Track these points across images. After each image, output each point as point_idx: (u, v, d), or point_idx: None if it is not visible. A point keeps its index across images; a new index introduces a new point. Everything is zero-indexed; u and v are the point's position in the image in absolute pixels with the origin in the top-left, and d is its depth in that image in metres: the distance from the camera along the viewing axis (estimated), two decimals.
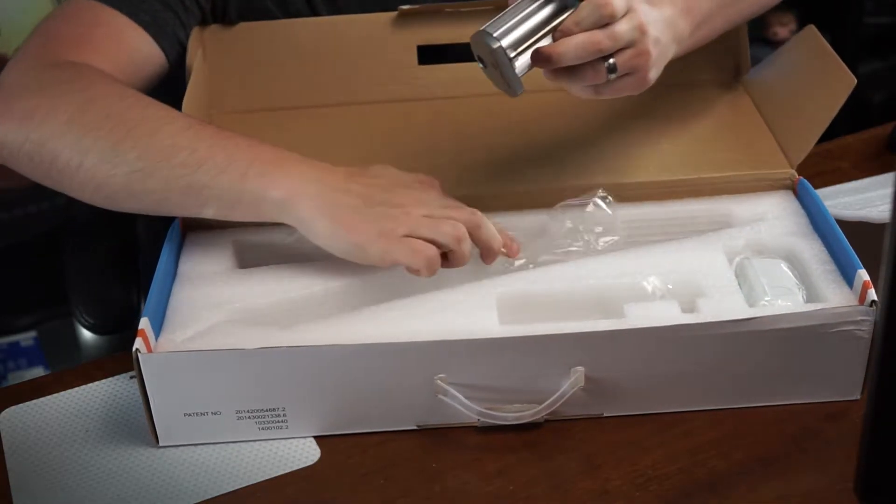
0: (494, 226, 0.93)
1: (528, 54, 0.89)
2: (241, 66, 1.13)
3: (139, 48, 1.05)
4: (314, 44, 1.13)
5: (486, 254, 0.93)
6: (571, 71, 0.90)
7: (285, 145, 1.10)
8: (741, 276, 0.93)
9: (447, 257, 0.91)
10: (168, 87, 1.07)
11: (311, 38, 1.13)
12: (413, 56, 1.13)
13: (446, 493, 0.86)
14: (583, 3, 0.89)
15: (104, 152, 0.92)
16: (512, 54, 0.88)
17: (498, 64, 0.90)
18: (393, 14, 1.11)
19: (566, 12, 0.90)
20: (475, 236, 0.91)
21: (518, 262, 0.97)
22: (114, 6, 1.05)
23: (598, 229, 0.99)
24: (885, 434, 0.65)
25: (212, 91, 1.14)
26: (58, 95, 0.95)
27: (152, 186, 0.92)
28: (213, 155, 0.91)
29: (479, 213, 0.92)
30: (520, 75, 0.90)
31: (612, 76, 0.89)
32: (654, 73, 0.92)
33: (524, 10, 0.90)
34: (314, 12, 1.13)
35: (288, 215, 0.91)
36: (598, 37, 0.88)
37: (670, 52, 0.94)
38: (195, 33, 1.10)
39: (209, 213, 0.93)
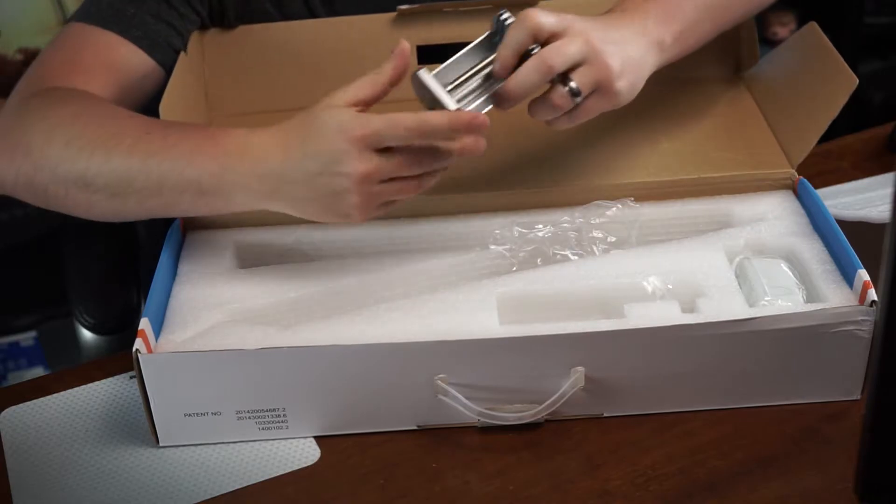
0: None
1: (463, 90, 0.90)
2: (241, 68, 1.13)
3: (130, 65, 1.06)
4: (313, 45, 1.13)
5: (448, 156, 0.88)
6: (538, 104, 0.90)
7: None
8: (741, 276, 0.93)
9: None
10: None
11: (309, 39, 1.13)
12: (413, 56, 1.13)
13: (446, 493, 0.86)
14: (509, 28, 0.89)
15: (77, 182, 0.93)
16: (428, 74, 0.88)
17: (427, 94, 0.89)
18: (392, 14, 1.11)
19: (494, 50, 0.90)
20: (430, 159, 0.88)
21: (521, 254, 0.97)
22: (104, 26, 1.06)
23: (598, 234, 0.99)
24: (885, 434, 0.65)
25: (211, 94, 1.14)
26: (28, 129, 0.96)
27: (131, 206, 0.93)
28: (167, 177, 0.90)
29: (419, 124, 0.85)
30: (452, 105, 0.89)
31: (578, 98, 0.89)
32: (623, 84, 0.90)
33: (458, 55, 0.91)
34: (312, 14, 1.13)
35: (258, 208, 0.92)
36: (543, 56, 0.87)
37: (647, 60, 0.93)
38: (194, 36, 1.10)
39: (195, 215, 0.96)
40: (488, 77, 0.90)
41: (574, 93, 0.88)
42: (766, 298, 0.90)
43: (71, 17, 1.09)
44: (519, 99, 0.89)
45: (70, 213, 0.97)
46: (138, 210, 0.94)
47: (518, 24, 0.88)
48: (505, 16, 0.90)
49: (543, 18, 0.88)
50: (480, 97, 0.90)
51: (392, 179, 0.87)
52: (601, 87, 0.89)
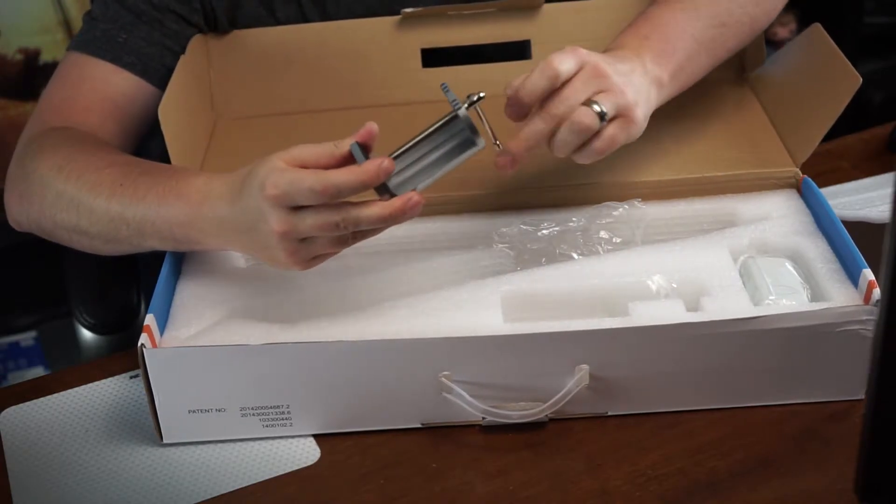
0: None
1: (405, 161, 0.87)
2: (246, 71, 1.14)
3: (125, 92, 1.08)
4: (318, 48, 1.13)
5: (381, 224, 0.86)
6: (564, 132, 0.88)
7: None
8: (746, 275, 0.93)
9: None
10: None
11: (315, 42, 1.13)
12: (417, 59, 1.13)
13: (446, 493, 0.86)
14: (533, 70, 0.88)
15: (76, 230, 0.98)
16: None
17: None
18: (396, 17, 1.12)
19: (468, 151, 0.87)
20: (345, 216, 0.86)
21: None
22: (98, 55, 1.08)
23: (604, 234, 0.99)
24: (885, 434, 0.65)
25: (216, 97, 1.14)
26: (28, 180, 1.00)
27: (126, 248, 0.97)
28: (144, 228, 0.93)
29: (322, 187, 0.83)
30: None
31: (604, 122, 0.88)
32: (640, 113, 0.90)
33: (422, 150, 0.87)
34: (304, 17, 1.13)
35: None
36: (561, 94, 0.87)
37: (651, 96, 0.93)
38: (198, 40, 1.10)
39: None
40: (437, 160, 0.87)
41: (601, 115, 0.88)
42: (771, 298, 0.90)
43: (70, 44, 1.11)
44: (526, 107, 0.89)
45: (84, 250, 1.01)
46: (136, 249, 0.97)
47: (540, 73, 0.87)
48: (455, 102, 0.86)
49: (562, 66, 0.87)
50: (419, 172, 0.87)
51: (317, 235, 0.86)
52: (621, 114, 0.89)
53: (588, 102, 0.88)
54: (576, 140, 0.89)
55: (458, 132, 0.87)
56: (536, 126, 0.88)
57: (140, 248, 0.96)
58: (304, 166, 0.84)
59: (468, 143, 0.87)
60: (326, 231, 0.85)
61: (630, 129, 0.90)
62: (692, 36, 0.98)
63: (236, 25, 1.13)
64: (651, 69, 0.93)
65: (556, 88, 0.88)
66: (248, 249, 0.90)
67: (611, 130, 0.89)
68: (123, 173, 0.95)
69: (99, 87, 1.08)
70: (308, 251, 0.87)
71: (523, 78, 0.89)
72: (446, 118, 0.87)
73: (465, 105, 0.86)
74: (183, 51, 1.09)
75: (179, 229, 0.91)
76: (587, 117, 0.87)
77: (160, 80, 1.08)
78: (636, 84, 0.91)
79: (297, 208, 0.84)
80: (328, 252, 0.88)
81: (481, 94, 0.86)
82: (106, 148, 1.01)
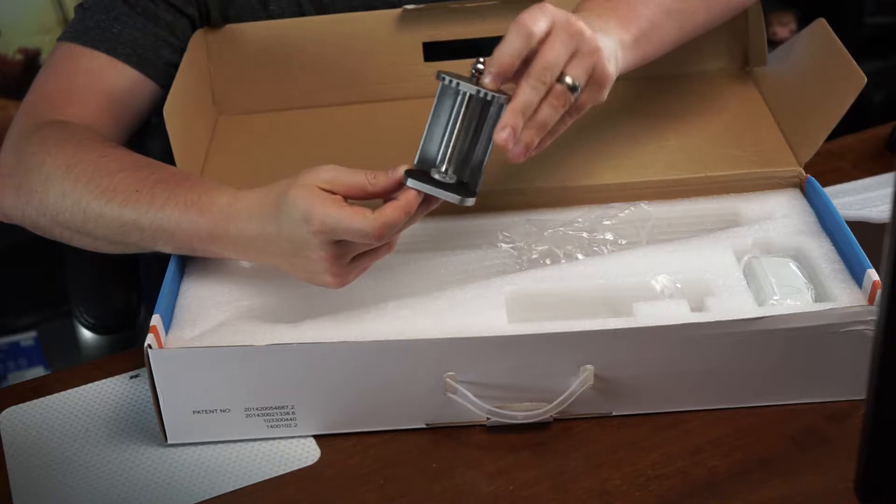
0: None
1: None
2: (247, 66, 1.13)
3: (121, 85, 1.07)
4: (320, 43, 1.13)
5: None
6: (538, 114, 0.87)
7: (293, 145, 1.10)
8: (750, 275, 0.93)
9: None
10: None
11: (316, 37, 1.12)
12: (419, 53, 1.13)
13: (446, 493, 0.86)
14: (507, 32, 0.86)
15: (79, 230, 0.97)
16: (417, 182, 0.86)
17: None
18: (398, 11, 1.11)
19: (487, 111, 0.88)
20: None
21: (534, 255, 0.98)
22: (92, 45, 1.07)
23: (610, 235, 0.99)
24: (885, 434, 0.65)
25: (217, 93, 1.14)
26: (28, 174, 0.99)
27: (133, 249, 0.97)
28: (158, 237, 0.93)
29: (367, 232, 0.86)
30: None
31: (576, 94, 0.86)
32: (612, 68, 0.89)
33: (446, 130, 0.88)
34: (300, 11, 1.13)
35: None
36: (539, 67, 0.85)
37: (618, 55, 0.91)
38: (199, 35, 1.10)
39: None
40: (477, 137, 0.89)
41: (573, 88, 0.86)
42: (775, 298, 0.90)
43: (61, 35, 1.10)
44: (506, 70, 0.86)
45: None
46: (143, 251, 0.97)
47: (516, 32, 0.86)
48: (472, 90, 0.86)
49: (535, 26, 0.85)
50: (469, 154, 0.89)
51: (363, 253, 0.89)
52: (595, 75, 0.88)
53: (560, 78, 0.86)
54: (555, 116, 0.87)
55: (479, 107, 0.88)
56: (527, 96, 0.85)
57: (147, 250, 0.96)
58: (334, 192, 0.86)
59: (491, 104, 0.87)
60: (372, 250, 0.89)
61: (603, 88, 0.89)
62: (658, 4, 0.97)
63: (228, 17, 1.12)
64: (614, 31, 0.92)
65: (533, 49, 0.86)
66: (287, 269, 0.91)
67: (583, 97, 0.88)
68: (138, 179, 0.95)
69: (94, 79, 1.07)
70: (354, 270, 0.90)
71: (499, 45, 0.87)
72: (463, 102, 0.87)
73: (475, 80, 0.87)
74: (177, 42, 1.08)
75: (201, 243, 0.92)
76: (562, 99, 0.86)
77: (156, 71, 1.07)
78: (606, 42, 0.89)
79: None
80: (370, 264, 0.91)
81: (479, 64, 0.86)
82: (113, 148, 1.00)
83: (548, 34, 0.86)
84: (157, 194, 0.93)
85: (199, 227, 0.91)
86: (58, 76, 1.08)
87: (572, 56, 0.86)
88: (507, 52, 0.85)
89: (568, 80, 0.86)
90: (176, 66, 1.07)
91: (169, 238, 0.93)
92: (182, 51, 1.08)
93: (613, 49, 0.90)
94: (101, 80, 1.07)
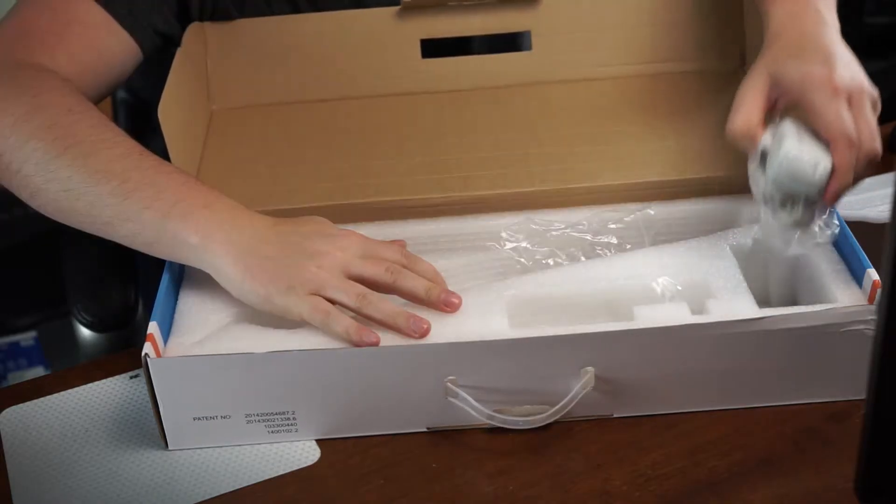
0: (423, 272, 0.91)
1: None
2: (244, 61, 1.13)
3: (111, 46, 1.05)
4: (316, 38, 1.13)
5: (413, 300, 0.90)
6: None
7: (289, 140, 1.10)
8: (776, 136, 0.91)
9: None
10: (158, 79, 1.06)
11: (313, 32, 1.12)
12: (416, 50, 1.13)
13: (446, 494, 0.86)
14: (831, 154, 0.88)
15: (40, 163, 0.93)
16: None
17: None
18: (395, 8, 1.11)
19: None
20: (394, 288, 0.89)
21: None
22: None
23: (613, 239, 0.99)
24: (885, 434, 0.65)
25: (213, 88, 1.14)
26: (10, 97, 0.96)
27: (79, 208, 0.93)
28: (141, 188, 0.91)
29: (402, 256, 0.91)
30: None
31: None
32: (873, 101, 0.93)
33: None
34: (296, 8, 1.13)
35: (202, 262, 0.91)
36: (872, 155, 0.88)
37: (841, 49, 0.94)
38: (195, 29, 1.10)
39: (130, 244, 0.93)
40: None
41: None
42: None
43: None
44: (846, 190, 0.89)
45: (9, 189, 0.97)
46: (82, 216, 0.94)
47: (841, 148, 0.87)
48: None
49: (850, 127, 0.88)
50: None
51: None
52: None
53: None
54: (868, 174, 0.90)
55: None
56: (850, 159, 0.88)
57: (98, 214, 0.92)
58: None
59: None
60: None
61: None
62: None
63: (205, 17, 1.12)
64: (827, 16, 0.95)
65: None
66: (261, 277, 0.89)
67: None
68: (141, 150, 0.94)
69: (87, 33, 1.04)
70: (340, 314, 0.88)
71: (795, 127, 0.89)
72: None
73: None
74: (168, 11, 1.08)
75: (185, 207, 0.89)
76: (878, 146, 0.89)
77: (144, 37, 1.06)
78: (848, 63, 0.93)
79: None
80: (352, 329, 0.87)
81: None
82: (111, 127, 0.97)
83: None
84: (164, 163, 0.93)
85: (195, 191, 0.90)
86: (48, 17, 1.04)
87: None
88: (846, 175, 0.87)
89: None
90: (162, 36, 1.07)
91: (150, 196, 0.90)
92: (169, 23, 1.08)
93: (848, 56, 0.94)
94: (96, 37, 1.04)
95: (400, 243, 0.95)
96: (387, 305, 0.87)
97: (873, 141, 0.88)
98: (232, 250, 0.89)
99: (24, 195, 0.96)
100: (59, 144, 0.93)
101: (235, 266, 0.89)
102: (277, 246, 0.90)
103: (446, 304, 0.89)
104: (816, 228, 0.91)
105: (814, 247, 0.92)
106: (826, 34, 0.93)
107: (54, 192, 0.93)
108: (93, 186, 0.91)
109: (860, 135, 0.87)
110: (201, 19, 1.12)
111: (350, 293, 0.88)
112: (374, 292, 0.88)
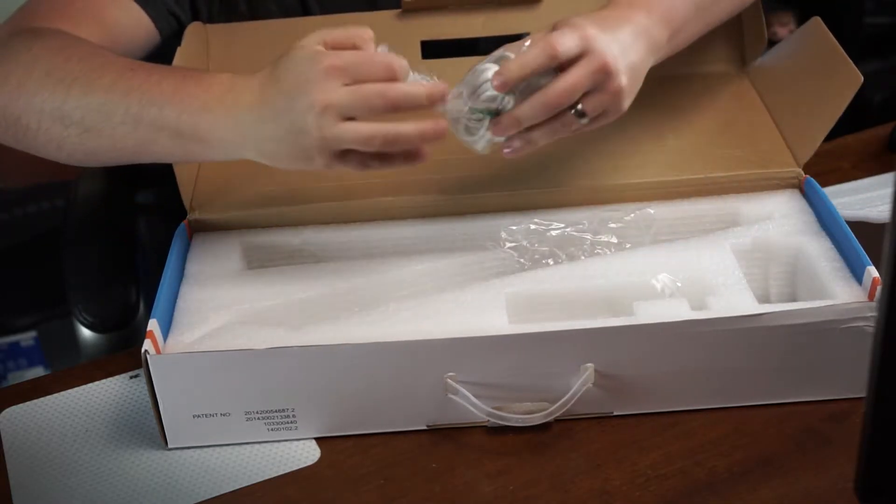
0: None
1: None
2: (246, 64, 1.13)
3: (122, 21, 1.04)
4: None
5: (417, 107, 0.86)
6: (530, 134, 0.88)
7: None
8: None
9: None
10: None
11: None
12: (417, 51, 1.13)
13: (446, 494, 0.86)
14: (529, 45, 0.86)
15: (53, 114, 0.91)
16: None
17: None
18: (396, 11, 1.11)
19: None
20: (392, 105, 0.84)
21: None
22: None
23: (613, 239, 0.99)
24: (885, 434, 0.65)
25: None
26: (10, 60, 0.95)
27: (105, 144, 0.91)
28: (146, 113, 0.88)
29: (391, 65, 0.84)
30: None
31: (584, 120, 0.87)
32: (628, 102, 0.90)
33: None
34: (305, 9, 1.13)
35: (233, 158, 0.90)
36: (553, 96, 0.85)
37: (647, 66, 0.92)
38: (197, 30, 1.10)
39: (169, 161, 0.93)
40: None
41: (580, 114, 0.87)
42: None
43: None
44: (513, 84, 0.86)
45: (38, 153, 0.95)
46: (110, 151, 0.92)
47: (539, 53, 0.85)
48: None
49: (563, 48, 0.85)
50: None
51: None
52: (609, 110, 0.88)
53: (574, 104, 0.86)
54: (552, 136, 0.88)
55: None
56: (534, 112, 0.85)
57: (118, 145, 0.90)
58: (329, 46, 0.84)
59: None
60: (368, 114, 0.83)
61: (616, 116, 0.89)
62: (693, 1, 0.96)
63: (214, 19, 1.12)
64: (654, 32, 0.91)
65: (552, 68, 0.85)
66: (267, 143, 0.86)
67: (593, 124, 0.89)
68: (134, 62, 0.92)
69: (98, 9, 1.03)
70: (342, 137, 0.83)
71: (518, 48, 0.86)
72: None
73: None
74: (180, 4, 1.07)
75: (188, 119, 0.87)
76: (568, 125, 0.87)
77: (158, 14, 1.06)
78: (636, 65, 0.89)
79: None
80: (362, 148, 0.85)
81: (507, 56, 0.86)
82: (98, 53, 0.96)
83: (575, 58, 0.85)
84: (155, 72, 0.90)
85: (192, 97, 0.88)
86: None
87: (592, 90, 0.86)
88: (522, 66, 0.85)
89: (579, 107, 0.87)
90: (176, 17, 1.07)
91: (155, 115, 0.87)
92: (180, 4, 1.07)
93: (642, 69, 0.90)
94: (104, 9, 1.04)
95: (360, 38, 0.88)
96: (396, 97, 0.83)
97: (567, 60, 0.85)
98: (248, 143, 0.87)
99: (51, 152, 0.94)
100: (60, 89, 0.91)
101: (261, 156, 0.87)
102: (274, 123, 0.85)
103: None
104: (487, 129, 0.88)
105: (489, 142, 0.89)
106: (634, 28, 0.90)
107: (76, 136, 0.91)
108: (104, 121, 0.90)
109: (558, 47, 0.84)
110: (209, 8, 1.11)
111: (355, 140, 0.84)
112: (385, 125, 0.84)
